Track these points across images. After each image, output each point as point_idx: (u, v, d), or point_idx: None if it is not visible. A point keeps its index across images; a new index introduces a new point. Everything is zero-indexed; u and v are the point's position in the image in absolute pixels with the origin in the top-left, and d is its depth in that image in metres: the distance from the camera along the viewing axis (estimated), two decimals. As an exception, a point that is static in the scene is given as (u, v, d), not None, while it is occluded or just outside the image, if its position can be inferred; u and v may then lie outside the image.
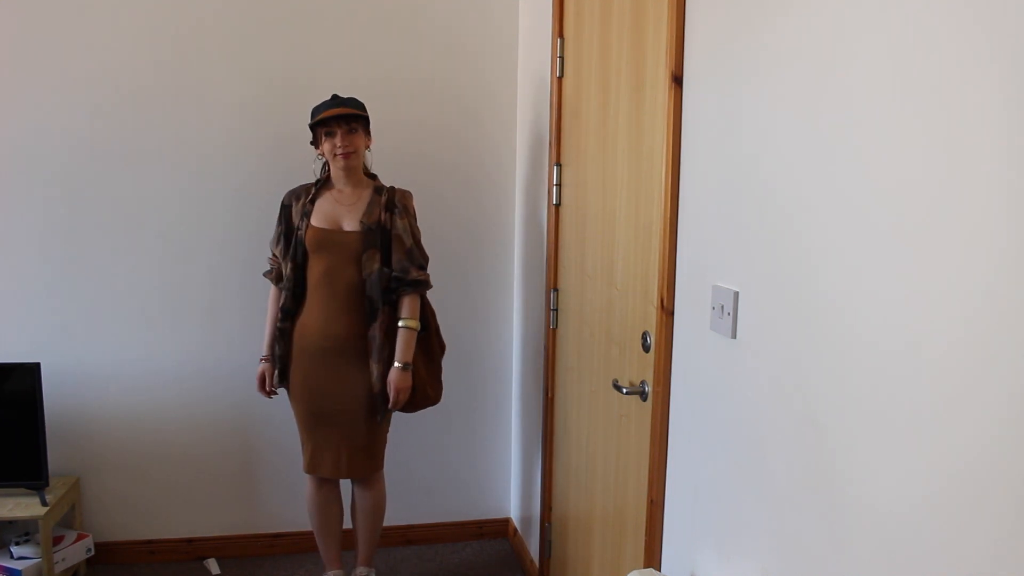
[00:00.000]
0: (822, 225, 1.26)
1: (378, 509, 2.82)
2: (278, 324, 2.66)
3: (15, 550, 2.84)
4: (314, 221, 2.61)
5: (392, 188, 2.69)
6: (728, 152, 1.55)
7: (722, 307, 1.56)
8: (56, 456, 3.01)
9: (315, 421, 2.66)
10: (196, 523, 3.19)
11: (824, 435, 1.26)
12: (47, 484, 2.83)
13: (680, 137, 1.75)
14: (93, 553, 3.02)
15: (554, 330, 2.79)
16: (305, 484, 2.81)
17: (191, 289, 3.06)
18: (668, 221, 1.78)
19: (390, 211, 2.62)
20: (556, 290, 2.77)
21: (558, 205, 2.72)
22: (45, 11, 2.85)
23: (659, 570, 1.87)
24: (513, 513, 3.42)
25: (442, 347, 2.81)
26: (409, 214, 2.66)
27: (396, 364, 2.59)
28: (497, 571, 3.19)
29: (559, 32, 2.64)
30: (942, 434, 1.02)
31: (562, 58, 2.63)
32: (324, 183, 2.68)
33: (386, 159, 3.06)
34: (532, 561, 3.09)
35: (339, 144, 2.56)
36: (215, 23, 2.96)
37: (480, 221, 3.27)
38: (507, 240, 3.30)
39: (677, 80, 1.74)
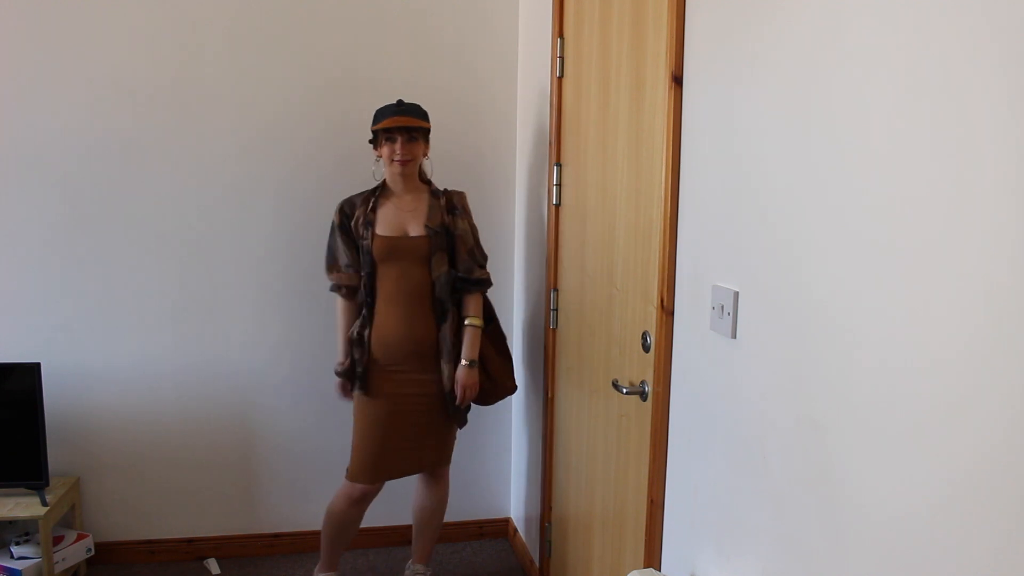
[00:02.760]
0: (822, 225, 1.26)
1: (442, 506, 2.86)
2: (357, 331, 2.66)
3: (15, 550, 2.84)
4: (379, 230, 2.63)
5: (447, 191, 2.74)
6: (728, 152, 1.55)
7: (722, 307, 1.56)
8: (56, 456, 3.01)
9: (390, 426, 2.65)
10: (196, 523, 3.19)
11: (824, 435, 1.26)
12: (47, 484, 2.83)
13: (680, 137, 1.75)
14: (93, 553, 3.02)
15: (554, 330, 2.79)
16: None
17: (191, 289, 3.06)
18: (668, 221, 1.78)
19: (452, 213, 2.69)
20: (556, 290, 2.77)
21: (558, 205, 2.72)
22: (47, 10, 2.85)
23: (659, 570, 1.87)
24: (513, 513, 3.42)
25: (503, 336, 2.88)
26: (468, 214, 2.74)
27: (463, 362, 2.66)
28: (497, 571, 3.19)
29: (559, 32, 2.64)
30: (941, 434, 1.02)
31: (562, 58, 2.63)
32: (381, 190, 2.70)
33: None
34: (532, 561, 3.09)
35: (399, 151, 2.60)
36: (218, 26, 2.96)
37: (480, 221, 3.26)
38: (507, 240, 3.30)
39: (677, 80, 1.74)
